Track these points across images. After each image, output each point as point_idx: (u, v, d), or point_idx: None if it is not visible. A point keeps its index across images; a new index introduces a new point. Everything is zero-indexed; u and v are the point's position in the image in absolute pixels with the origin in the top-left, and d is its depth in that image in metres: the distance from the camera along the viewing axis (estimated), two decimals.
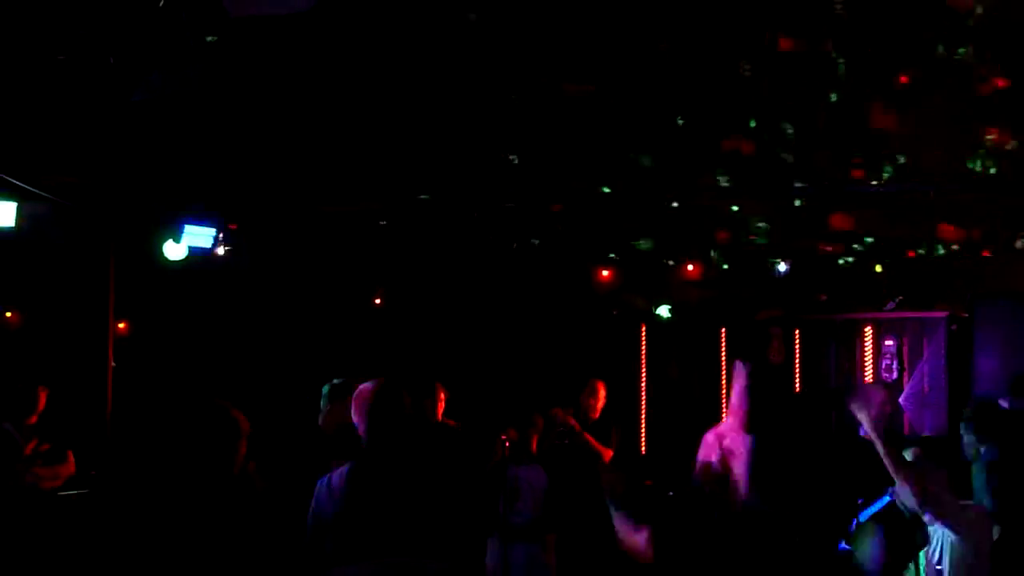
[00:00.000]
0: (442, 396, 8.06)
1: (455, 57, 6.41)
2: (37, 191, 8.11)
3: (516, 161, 7.88)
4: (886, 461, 4.90)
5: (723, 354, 12.28)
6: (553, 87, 6.84)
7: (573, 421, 8.98)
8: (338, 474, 4.59)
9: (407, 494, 4.48)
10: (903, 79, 6.67)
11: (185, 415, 4.40)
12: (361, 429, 4.62)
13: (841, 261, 10.62)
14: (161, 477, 4.22)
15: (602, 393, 9.26)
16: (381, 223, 10.31)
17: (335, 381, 6.81)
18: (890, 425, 6.27)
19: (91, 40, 5.56)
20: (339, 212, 10.01)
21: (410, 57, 6.43)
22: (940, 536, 4.93)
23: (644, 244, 10.67)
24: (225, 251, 9.55)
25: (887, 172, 8.14)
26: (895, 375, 11.06)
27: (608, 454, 9.08)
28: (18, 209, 7.95)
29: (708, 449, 5.00)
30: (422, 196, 9.15)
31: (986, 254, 10.10)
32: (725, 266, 11.38)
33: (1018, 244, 9.39)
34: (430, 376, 8.33)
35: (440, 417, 8.01)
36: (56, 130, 7.14)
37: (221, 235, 9.40)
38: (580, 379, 9.56)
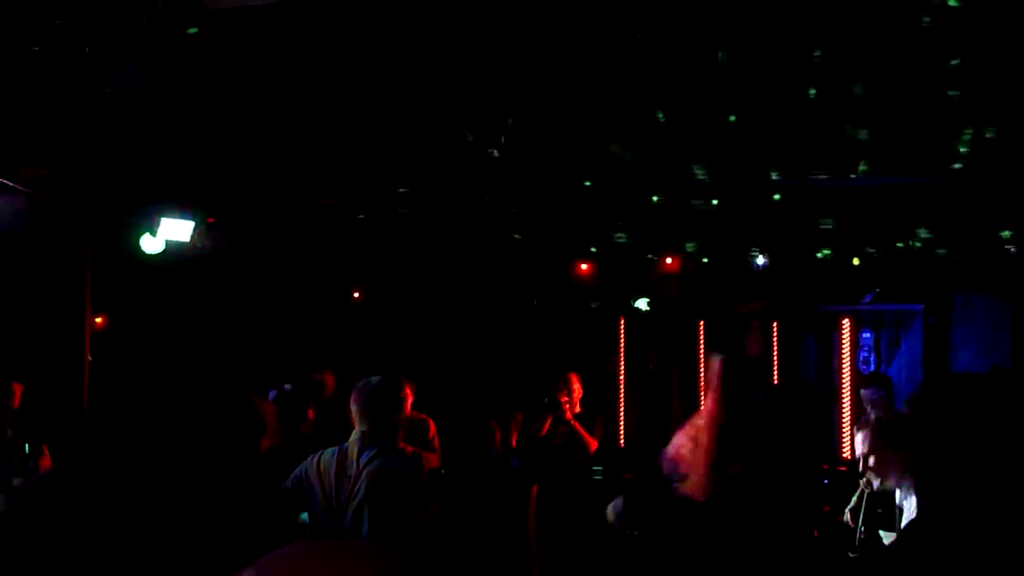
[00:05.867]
0: (407, 391, 8.04)
1: (435, 51, 6.39)
2: (12, 184, 8.03)
3: (496, 154, 7.87)
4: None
5: (701, 346, 12.32)
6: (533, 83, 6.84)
7: (567, 407, 9.00)
8: (329, 452, 4.78)
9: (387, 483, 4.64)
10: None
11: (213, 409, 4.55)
12: (358, 419, 4.86)
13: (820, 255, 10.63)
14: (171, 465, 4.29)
15: (577, 386, 9.22)
16: (360, 217, 10.27)
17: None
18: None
19: (66, 31, 5.51)
20: (318, 206, 9.97)
21: (389, 51, 6.41)
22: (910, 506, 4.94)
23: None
24: (203, 244, 9.49)
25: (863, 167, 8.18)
26: (872, 367, 11.11)
27: (594, 444, 9.08)
28: None
29: (678, 444, 5.00)
30: (400, 189, 9.12)
31: (964, 247, 10.15)
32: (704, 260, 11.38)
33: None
34: (396, 370, 8.32)
35: (408, 412, 8.00)
36: (31, 122, 7.08)
37: (199, 228, 9.35)
38: (559, 372, 9.55)
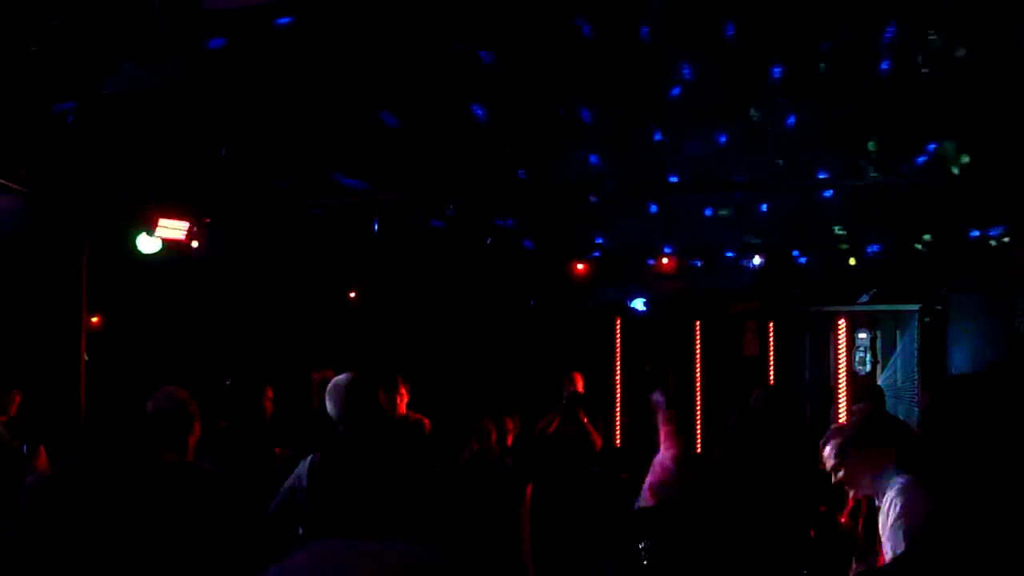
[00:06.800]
0: (403, 391, 8.04)
1: (431, 54, 6.40)
2: (8, 183, 8.02)
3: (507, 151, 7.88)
4: None
5: (698, 347, 12.33)
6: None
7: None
8: (323, 454, 4.71)
9: (377, 483, 4.59)
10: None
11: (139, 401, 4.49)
12: (336, 418, 4.72)
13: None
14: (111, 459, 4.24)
15: (581, 384, 9.23)
16: (357, 217, 10.27)
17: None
18: None
19: (63, 32, 5.51)
20: (314, 206, 9.97)
21: (385, 50, 6.41)
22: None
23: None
24: (199, 245, 9.48)
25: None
26: (868, 367, 11.13)
27: (599, 442, 9.09)
28: None
29: None
30: (400, 192, 9.14)
31: (959, 248, 10.17)
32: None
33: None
34: (392, 370, 8.32)
35: (404, 411, 8.00)
36: (28, 122, 7.07)
37: (195, 229, 9.34)
38: (555, 372, 9.56)
